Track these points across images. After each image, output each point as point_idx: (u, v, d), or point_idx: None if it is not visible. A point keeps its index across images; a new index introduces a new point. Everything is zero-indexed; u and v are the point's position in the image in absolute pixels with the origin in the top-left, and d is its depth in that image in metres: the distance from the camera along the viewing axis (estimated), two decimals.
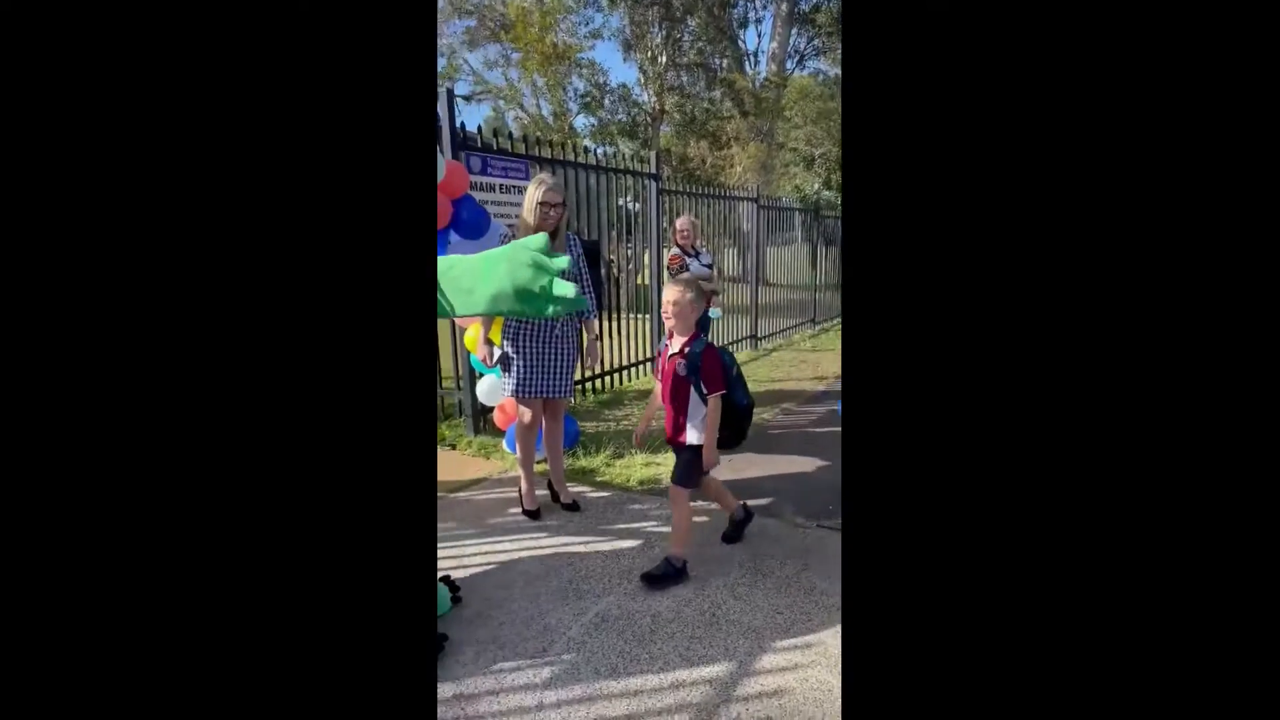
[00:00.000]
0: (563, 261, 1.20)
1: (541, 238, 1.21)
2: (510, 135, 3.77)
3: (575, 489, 2.84)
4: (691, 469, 2.11)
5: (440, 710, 1.53)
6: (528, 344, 2.42)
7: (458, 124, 3.22)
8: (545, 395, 2.47)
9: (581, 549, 2.33)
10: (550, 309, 1.20)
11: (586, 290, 2.51)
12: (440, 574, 2.04)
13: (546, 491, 2.72)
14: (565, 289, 1.17)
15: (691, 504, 2.18)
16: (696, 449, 2.08)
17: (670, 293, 2.05)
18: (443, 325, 3.97)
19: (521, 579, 2.12)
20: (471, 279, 1.23)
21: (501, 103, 12.73)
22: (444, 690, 1.60)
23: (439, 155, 2.66)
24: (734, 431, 2.15)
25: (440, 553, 2.16)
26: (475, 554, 2.30)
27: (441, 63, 12.88)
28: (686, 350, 2.05)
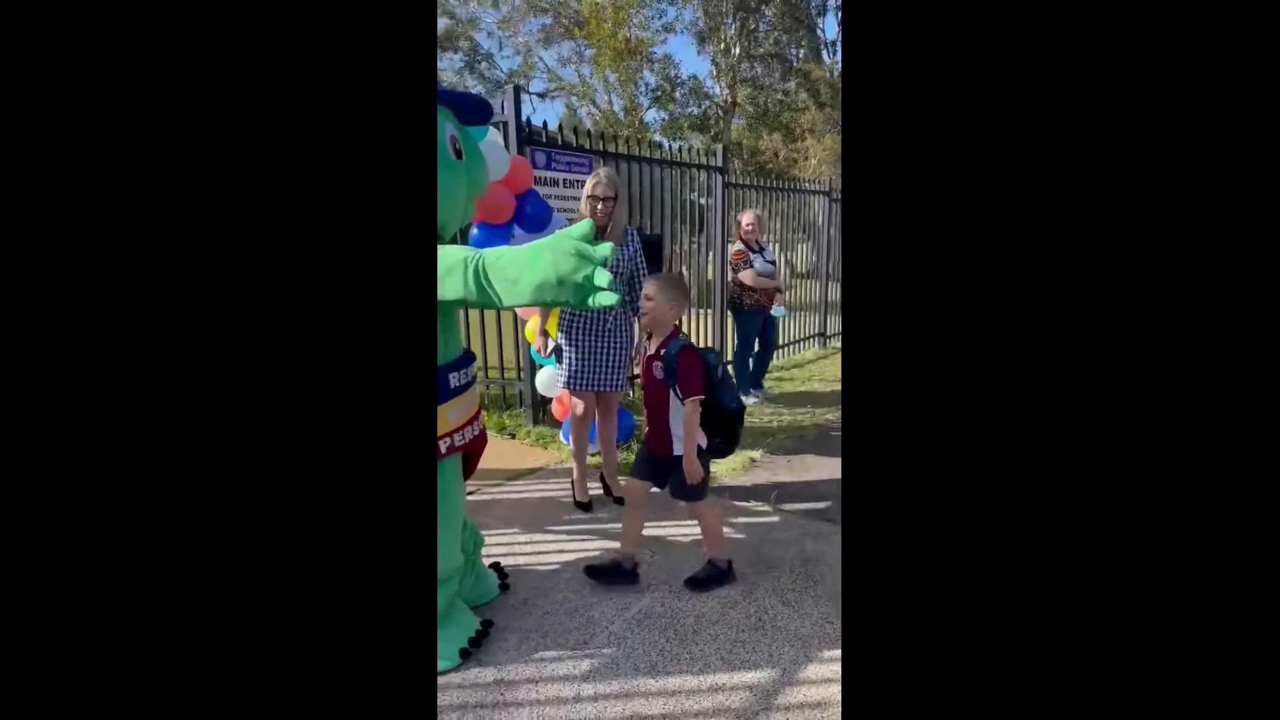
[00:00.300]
0: (605, 249, 1.18)
1: (585, 225, 1.20)
2: (575, 130, 3.81)
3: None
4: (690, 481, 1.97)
5: (480, 694, 1.57)
6: (581, 336, 2.44)
7: (524, 119, 3.28)
8: (596, 389, 2.48)
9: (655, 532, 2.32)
10: (592, 299, 1.20)
11: (639, 287, 2.50)
12: (490, 561, 2.09)
13: (599, 484, 2.74)
14: (604, 278, 1.17)
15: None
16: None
17: (646, 288, 1.93)
18: (505, 316, 4.07)
19: (569, 570, 2.14)
20: (517, 268, 1.23)
21: (574, 99, 12.91)
22: (485, 674, 1.64)
23: (505, 150, 2.71)
24: (725, 438, 1.96)
25: (491, 540, 2.21)
26: (525, 542, 2.34)
27: (517, 61, 13.21)
28: (663, 351, 1.91)
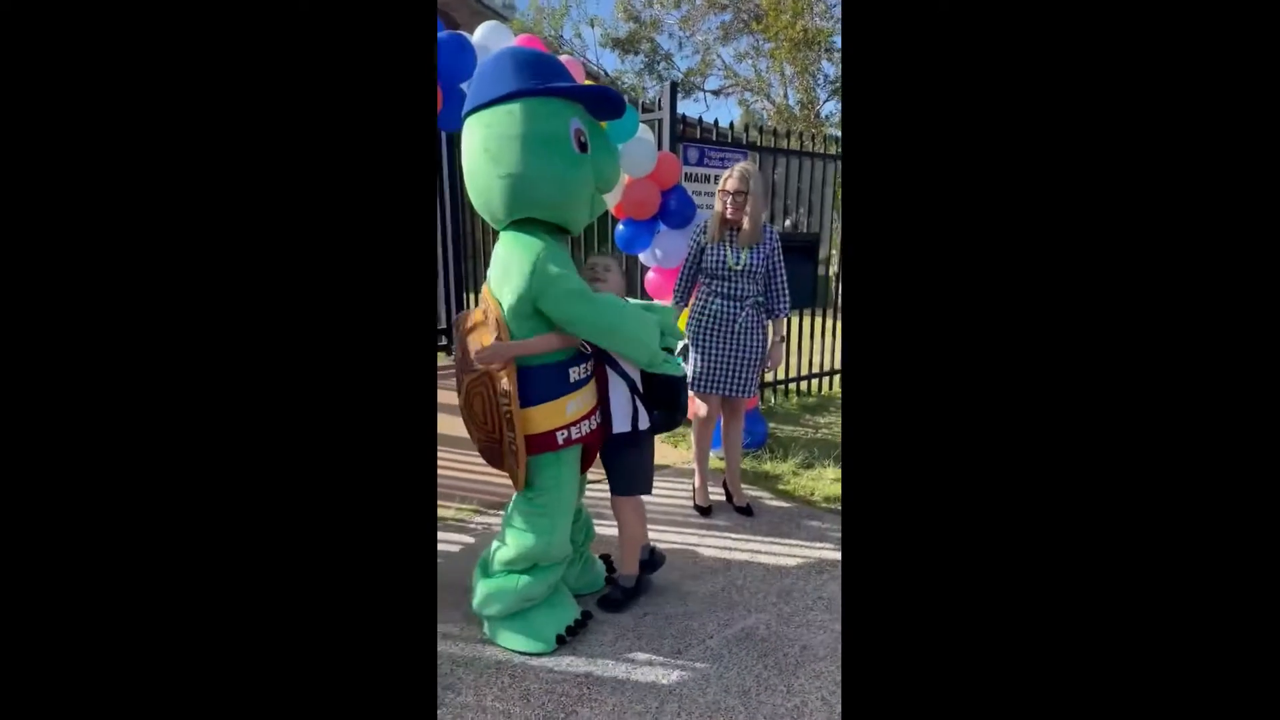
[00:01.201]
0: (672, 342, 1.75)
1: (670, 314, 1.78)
2: (731, 125, 3.72)
3: (753, 493, 2.73)
4: (636, 470, 1.82)
5: (566, 685, 1.59)
6: (708, 339, 2.37)
7: (678, 115, 3.26)
8: (721, 393, 2.39)
9: (744, 557, 2.22)
10: (650, 361, 1.70)
11: (778, 287, 2.36)
12: (601, 553, 2.11)
13: (722, 490, 2.66)
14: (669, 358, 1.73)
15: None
16: (630, 437, 1.77)
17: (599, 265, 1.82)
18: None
19: (676, 573, 2.10)
20: (618, 318, 1.62)
21: (749, 95, 12.71)
22: (576, 664, 1.65)
23: (654, 146, 2.72)
24: (668, 409, 1.78)
25: (604, 531, 2.24)
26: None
27: (695, 59, 13.28)
28: None
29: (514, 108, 1.51)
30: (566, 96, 1.57)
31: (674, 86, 3.31)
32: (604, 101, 1.62)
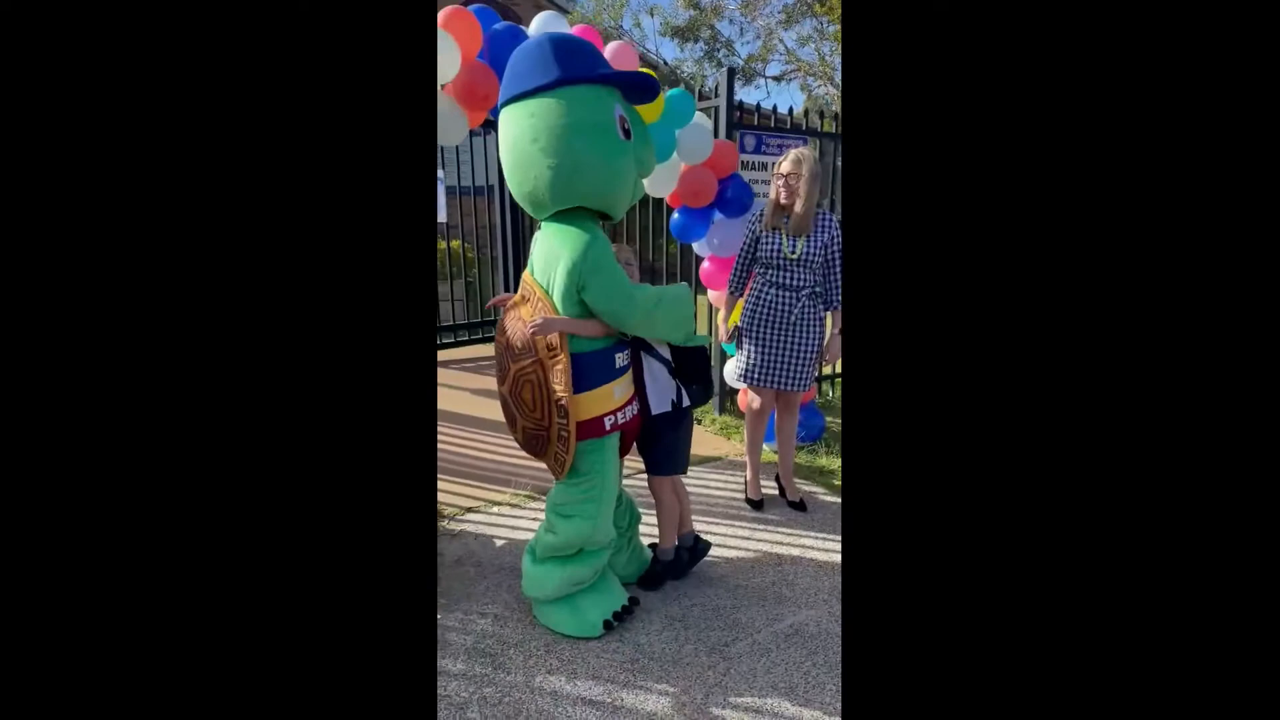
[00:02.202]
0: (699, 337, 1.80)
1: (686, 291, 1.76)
2: (790, 111, 3.62)
3: (807, 488, 2.67)
4: (674, 450, 1.86)
5: (612, 671, 1.60)
6: (763, 330, 2.32)
7: (736, 101, 3.20)
8: (773, 386, 2.34)
9: (795, 553, 2.18)
10: (685, 338, 1.76)
11: (835, 277, 2.28)
12: (649, 541, 2.12)
13: (775, 484, 2.61)
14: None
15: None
16: (670, 418, 1.81)
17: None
18: (700, 303, 4.06)
19: (726, 566, 2.08)
20: (656, 308, 1.65)
21: (811, 80, 12.35)
22: (623, 650, 1.67)
23: (711, 134, 2.68)
24: (703, 383, 1.84)
25: (650, 516, 2.23)
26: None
27: (756, 45, 13.02)
28: None
29: (559, 96, 1.50)
30: (607, 83, 1.57)
31: (731, 73, 3.25)
32: (639, 86, 1.62)
